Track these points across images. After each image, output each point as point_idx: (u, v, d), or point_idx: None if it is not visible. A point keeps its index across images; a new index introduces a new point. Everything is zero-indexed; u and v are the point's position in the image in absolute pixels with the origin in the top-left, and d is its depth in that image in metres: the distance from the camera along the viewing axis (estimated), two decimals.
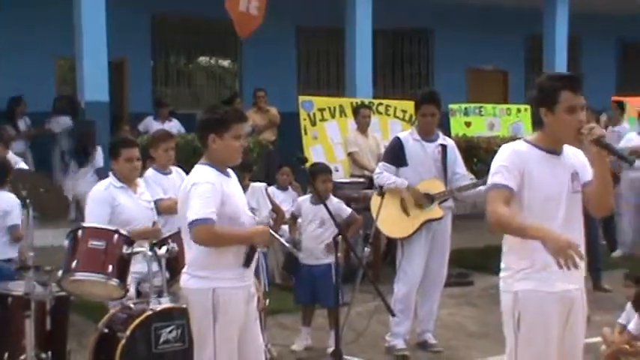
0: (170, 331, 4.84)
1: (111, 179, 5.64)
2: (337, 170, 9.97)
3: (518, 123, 12.90)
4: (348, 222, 6.42)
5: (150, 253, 5.02)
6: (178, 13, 13.86)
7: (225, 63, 15.81)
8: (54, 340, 5.10)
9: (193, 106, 13.78)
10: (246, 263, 4.19)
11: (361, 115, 9.94)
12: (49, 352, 5.02)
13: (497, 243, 4.00)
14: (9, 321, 5.04)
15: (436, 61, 16.61)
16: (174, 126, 11.73)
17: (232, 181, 4.31)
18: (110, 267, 4.87)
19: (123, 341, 4.72)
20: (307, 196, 6.69)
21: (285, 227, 7.26)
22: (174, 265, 4.98)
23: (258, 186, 7.21)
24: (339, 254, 5.03)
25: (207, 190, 4.06)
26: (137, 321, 4.78)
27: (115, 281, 4.89)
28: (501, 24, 15.80)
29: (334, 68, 15.47)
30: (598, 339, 5.91)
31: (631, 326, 5.64)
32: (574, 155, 3.88)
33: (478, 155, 10.81)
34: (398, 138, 6.51)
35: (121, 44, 11.75)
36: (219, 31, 13.95)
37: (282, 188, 8.69)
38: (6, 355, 5.03)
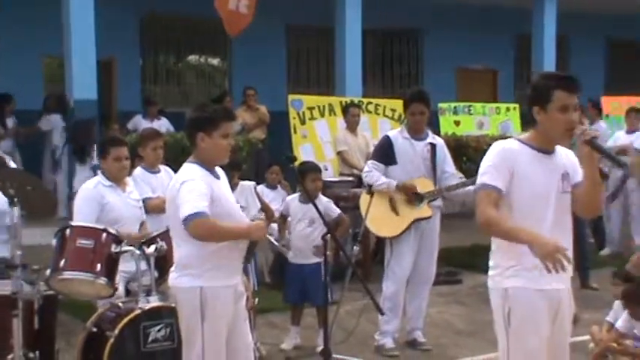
0: (159, 330, 4.83)
1: (99, 178, 5.64)
2: (326, 169, 9.97)
3: (507, 122, 12.93)
4: (336, 222, 6.42)
5: (138, 252, 5.01)
6: (167, 12, 13.82)
7: (215, 61, 15.77)
8: (42, 340, 5.07)
9: (182, 104, 13.73)
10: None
11: (350, 114, 9.95)
12: (37, 352, 4.98)
13: (485, 242, 4.01)
14: None
15: (426, 61, 16.63)
16: (163, 124, 11.70)
17: (221, 182, 4.29)
18: (98, 266, 4.86)
19: (111, 340, 4.70)
20: (296, 195, 6.69)
21: (274, 226, 7.25)
22: (162, 263, 4.97)
23: (247, 185, 7.19)
24: (328, 253, 5.02)
25: (197, 186, 4.05)
26: (126, 320, 4.77)
27: (103, 280, 4.88)
28: (490, 23, 15.83)
29: (324, 67, 15.46)
30: (586, 337, 5.94)
31: (619, 324, 5.66)
32: (566, 156, 3.88)
33: (467, 154, 10.83)
34: (387, 136, 6.52)
35: (110, 43, 11.69)
36: (208, 29, 13.91)
37: (272, 187, 8.69)
38: None
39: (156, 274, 4.98)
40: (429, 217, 6.40)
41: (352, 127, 9.92)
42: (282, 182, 9.00)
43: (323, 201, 6.44)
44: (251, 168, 10.06)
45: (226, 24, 10.58)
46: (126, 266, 5.21)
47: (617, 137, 10.53)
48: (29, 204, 5.28)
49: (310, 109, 10.93)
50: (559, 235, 3.73)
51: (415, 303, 6.55)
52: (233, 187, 5.44)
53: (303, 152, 10.43)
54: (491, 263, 3.88)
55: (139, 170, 6.33)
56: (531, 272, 3.69)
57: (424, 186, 6.37)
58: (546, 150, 3.80)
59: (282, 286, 6.85)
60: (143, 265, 5.02)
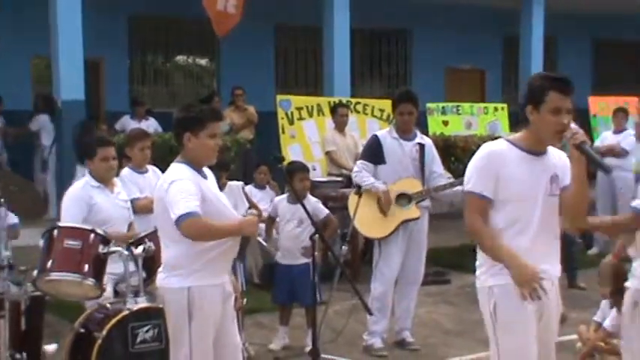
0: (147, 331, 4.82)
1: (87, 178, 5.60)
2: (315, 169, 9.96)
3: (495, 122, 12.95)
4: (324, 222, 6.42)
5: (126, 253, 4.99)
6: (155, 12, 13.78)
7: (203, 62, 15.74)
8: (29, 341, 5.05)
9: (170, 105, 13.69)
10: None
11: (339, 114, 9.94)
12: (24, 353, 4.96)
13: (473, 242, 4.01)
14: None
15: (414, 61, 16.64)
16: (151, 125, 11.68)
17: (209, 182, 4.28)
18: (86, 266, 4.84)
19: (99, 341, 4.69)
20: (284, 196, 6.68)
21: (262, 226, 7.24)
22: (150, 264, 4.95)
23: (236, 185, 7.19)
24: (316, 253, 5.02)
25: (187, 186, 4.04)
26: (113, 321, 4.76)
27: (90, 281, 4.86)
28: (479, 24, 15.87)
29: (312, 67, 15.45)
30: (574, 336, 5.95)
31: (606, 323, 5.67)
32: (558, 157, 3.87)
33: (455, 154, 10.85)
34: (376, 136, 6.53)
35: (98, 43, 11.66)
36: (196, 29, 13.87)
37: (260, 187, 8.69)
38: None
39: (144, 274, 4.96)
40: (417, 218, 6.40)
41: (340, 127, 9.92)
42: (271, 182, 9.00)
43: (311, 201, 6.43)
44: (239, 168, 10.05)
45: (214, 24, 10.57)
46: (114, 268, 5.17)
47: (605, 137, 10.57)
48: (18, 205, 5.26)
49: (298, 109, 10.93)
50: (546, 236, 3.74)
51: (404, 303, 6.56)
52: (221, 187, 5.42)
53: (291, 152, 10.42)
54: (477, 262, 3.89)
55: (126, 171, 6.30)
56: None
57: (412, 186, 6.38)
58: (536, 151, 3.79)
59: (271, 286, 6.85)
60: (132, 266, 5.00)
